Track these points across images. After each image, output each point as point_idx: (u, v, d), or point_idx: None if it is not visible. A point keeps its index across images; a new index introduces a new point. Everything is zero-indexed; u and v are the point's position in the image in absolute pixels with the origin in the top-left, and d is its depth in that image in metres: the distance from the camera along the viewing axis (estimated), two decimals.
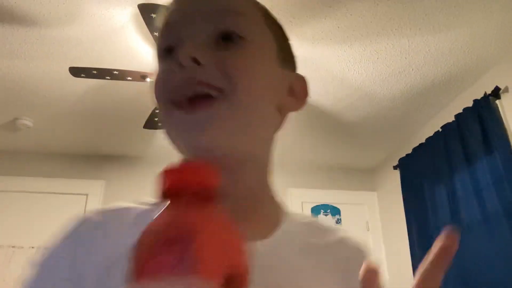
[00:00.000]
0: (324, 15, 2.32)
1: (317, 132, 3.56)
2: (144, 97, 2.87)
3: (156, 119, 2.82)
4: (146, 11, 2.05)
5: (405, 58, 2.67)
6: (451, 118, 3.03)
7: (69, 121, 3.38)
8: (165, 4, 0.58)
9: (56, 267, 0.49)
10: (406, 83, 2.92)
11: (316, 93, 2.98)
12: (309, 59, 2.63)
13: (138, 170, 3.82)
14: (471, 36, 2.50)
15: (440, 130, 3.14)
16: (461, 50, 2.62)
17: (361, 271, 0.37)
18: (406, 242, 3.38)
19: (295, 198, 3.98)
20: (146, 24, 2.11)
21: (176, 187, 0.33)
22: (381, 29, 2.44)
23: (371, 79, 2.87)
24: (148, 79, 2.50)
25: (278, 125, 0.59)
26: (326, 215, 4.01)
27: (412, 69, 2.79)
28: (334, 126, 3.46)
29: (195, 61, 0.49)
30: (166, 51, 0.55)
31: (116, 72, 2.46)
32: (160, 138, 3.42)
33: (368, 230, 4.02)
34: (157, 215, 0.32)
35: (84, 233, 0.51)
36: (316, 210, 4.01)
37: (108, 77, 2.50)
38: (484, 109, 2.74)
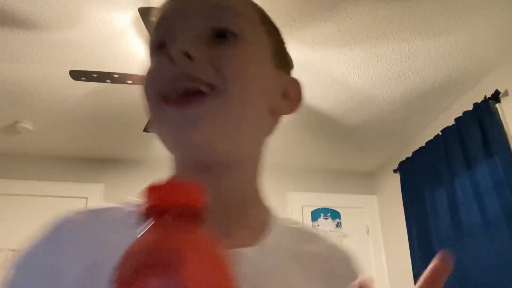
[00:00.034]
0: (324, 19, 2.33)
1: (317, 136, 3.56)
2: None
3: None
4: (146, 14, 2.06)
5: (405, 61, 2.68)
6: (451, 122, 3.03)
7: (69, 124, 3.38)
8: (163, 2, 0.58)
9: (35, 268, 0.47)
10: (406, 86, 2.93)
11: (316, 97, 2.98)
12: (309, 62, 2.64)
13: (138, 174, 3.82)
14: (471, 40, 2.51)
15: (440, 133, 3.14)
16: (461, 54, 2.62)
17: (355, 286, 0.37)
18: (406, 246, 3.38)
19: (295, 201, 3.98)
20: (147, 28, 2.11)
21: (161, 206, 0.32)
22: (381, 33, 2.44)
23: (371, 82, 2.87)
24: None
25: (270, 128, 0.58)
26: (326, 218, 4.01)
27: (412, 73, 2.79)
28: (334, 130, 3.46)
29: (187, 55, 0.48)
30: (158, 46, 0.53)
31: (117, 76, 2.46)
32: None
33: (368, 234, 4.02)
34: (141, 234, 0.31)
35: (65, 233, 0.50)
36: (316, 213, 4.00)
37: (108, 81, 2.50)
38: (484, 112, 2.74)
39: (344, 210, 4.08)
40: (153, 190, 0.32)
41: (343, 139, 3.62)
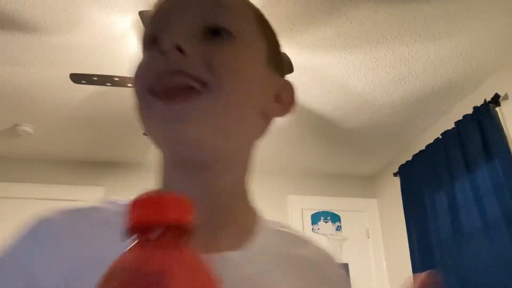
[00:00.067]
0: (324, 22, 2.33)
1: (317, 139, 3.56)
2: None
3: None
4: (147, 18, 2.06)
5: (405, 65, 2.68)
6: (451, 125, 3.03)
7: (69, 127, 3.38)
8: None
9: (10, 271, 0.46)
10: (406, 90, 2.93)
11: (316, 100, 2.98)
12: (309, 66, 2.64)
13: (138, 177, 3.81)
14: (471, 43, 2.51)
15: (440, 137, 3.14)
16: (461, 58, 2.63)
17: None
18: (407, 249, 3.37)
19: (295, 205, 3.98)
20: None
21: (146, 222, 0.29)
22: (381, 37, 2.45)
23: (371, 86, 2.88)
24: None
25: (260, 130, 0.56)
26: (326, 222, 4.00)
27: (412, 76, 2.79)
28: (334, 133, 3.46)
29: (180, 50, 0.47)
30: (151, 41, 0.52)
31: (117, 79, 2.46)
32: None
33: (369, 237, 4.01)
34: (125, 252, 0.29)
35: (43, 234, 0.48)
36: (316, 217, 4.00)
37: (108, 84, 2.50)
38: (484, 116, 2.75)
39: (344, 213, 4.07)
40: (138, 204, 0.30)
41: (343, 142, 3.62)
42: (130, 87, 2.51)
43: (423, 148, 3.35)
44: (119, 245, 0.46)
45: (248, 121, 0.53)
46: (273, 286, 0.50)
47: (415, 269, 3.24)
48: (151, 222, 0.29)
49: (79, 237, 0.47)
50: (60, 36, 2.41)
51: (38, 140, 3.55)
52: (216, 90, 0.47)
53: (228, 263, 0.47)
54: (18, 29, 2.35)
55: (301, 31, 2.38)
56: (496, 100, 2.70)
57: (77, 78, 2.48)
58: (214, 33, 0.50)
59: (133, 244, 0.30)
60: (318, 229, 3.95)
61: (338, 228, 4.00)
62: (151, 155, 3.74)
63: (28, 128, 3.33)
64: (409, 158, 3.53)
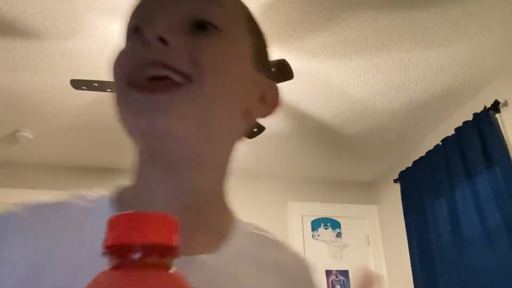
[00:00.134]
0: (324, 29, 2.34)
1: (317, 145, 3.56)
2: None
3: None
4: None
5: (405, 72, 2.69)
6: (451, 132, 3.03)
7: (70, 133, 3.38)
8: None
9: None
10: (406, 96, 2.93)
11: (316, 107, 2.99)
12: (309, 72, 2.65)
13: None
14: (471, 50, 2.52)
15: (440, 143, 3.15)
16: (461, 64, 2.63)
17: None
18: (407, 256, 3.36)
19: (295, 211, 3.97)
20: None
21: (126, 242, 0.26)
22: (381, 43, 2.45)
23: (371, 92, 2.88)
24: None
25: (241, 130, 0.55)
26: (326, 228, 4.00)
27: (412, 83, 2.80)
28: (334, 139, 3.46)
29: (163, 41, 0.45)
30: (134, 31, 0.50)
31: None
32: None
33: (369, 244, 4.00)
34: (101, 273, 0.27)
35: (5, 230, 0.46)
36: (316, 223, 3.99)
37: (109, 90, 2.50)
38: (484, 122, 2.75)
39: (345, 220, 4.07)
40: (118, 222, 0.27)
41: (343, 149, 3.62)
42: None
43: (423, 154, 3.35)
44: (84, 244, 0.45)
45: (229, 119, 0.51)
46: None
47: (415, 276, 3.23)
48: (131, 243, 0.26)
49: (44, 232, 0.46)
50: (61, 43, 2.42)
51: (38, 146, 3.55)
52: (198, 84, 0.46)
53: (202, 266, 0.46)
54: (19, 36, 2.36)
55: (301, 37, 2.38)
56: (496, 106, 2.70)
57: (77, 84, 2.48)
58: (201, 27, 0.49)
59: (110, 264, 0.27)
60: (318, 235, 3.94)
61: (338, 235, 3.99)
62: None
63: (28, 134, 3.33)
64: (409, 164, 3.53)
